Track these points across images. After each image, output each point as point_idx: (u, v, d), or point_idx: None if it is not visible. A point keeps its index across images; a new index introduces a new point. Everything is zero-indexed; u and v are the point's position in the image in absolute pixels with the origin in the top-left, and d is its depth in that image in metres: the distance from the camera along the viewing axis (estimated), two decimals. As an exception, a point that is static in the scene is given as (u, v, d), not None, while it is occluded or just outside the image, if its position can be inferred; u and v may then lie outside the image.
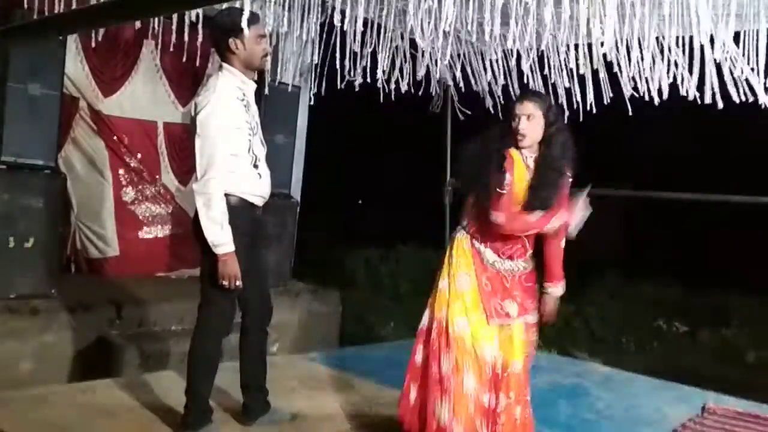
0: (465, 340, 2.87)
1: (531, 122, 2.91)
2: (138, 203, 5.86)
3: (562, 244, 3.10)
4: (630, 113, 4.50)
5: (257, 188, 3.01)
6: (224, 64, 2.96)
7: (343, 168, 14.10)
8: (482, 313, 2.90)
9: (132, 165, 5.78)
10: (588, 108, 4.68)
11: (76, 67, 5.32)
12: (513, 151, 2.93)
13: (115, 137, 5.68)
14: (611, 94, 4.59)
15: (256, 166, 2.98)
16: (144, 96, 5.80)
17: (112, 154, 5.69)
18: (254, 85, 3.05)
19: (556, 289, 3.12)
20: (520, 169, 2.92)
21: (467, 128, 6.26)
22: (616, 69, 4.31)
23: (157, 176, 5.93)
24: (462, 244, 3.02)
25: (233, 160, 2.87)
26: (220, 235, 2.80)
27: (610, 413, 3.92)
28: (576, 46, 4.34)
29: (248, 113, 2.98)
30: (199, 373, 2.97)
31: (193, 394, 2.96)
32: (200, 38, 4.31)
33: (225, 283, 2.84)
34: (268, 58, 3.07)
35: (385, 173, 14.55)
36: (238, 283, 2.86)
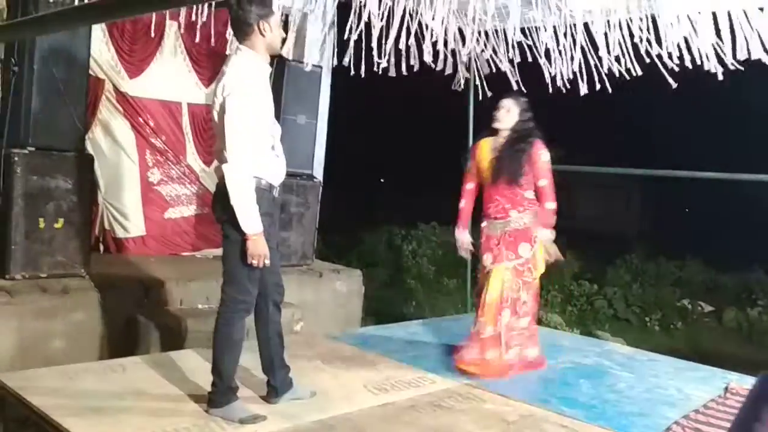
0: None
1: (508, 114, 4.10)
2: (163, 184, 5.94)
3: (548, 205, 4.11)
4: (658, 93, 4.45)
5: (275, 169, 3.07)
6: (245, 47, 2.99)
7: (365, 148, 14.10)
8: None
9: (157, 146, 5.85)
10: (612, 87, 4.63)
11: (102, 50, 5.36)
12: (483, 141, 4.23)
13: (140, 118, 5.73)
14: (640, 72, 4.53)
15: (272, 148, 3.05)
16: (168, 77, 5.83)
17: (137, 135, 5.75)
18: (269, 69, 3.12)
19: (543, 233, 4.10)
20: (483, 151, 4.20)
21: (490, 106, 6.23)
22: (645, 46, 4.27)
23: (182, 157, 5.99)
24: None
25: (261, 143, 2.94)
26: (253, 216, 2.88)
27: (632, 393, 3.93)
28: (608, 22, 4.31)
29: (268, 93, 3.04)
30: (225, 351, 3.03)
31: (219, 372, 3.03)
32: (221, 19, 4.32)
33: (254, 262, 2.90)
34: (286, 42, 3.12)
35: (407, 152, 14.51)
36: (267, 261, 2.93)
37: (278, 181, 3.11)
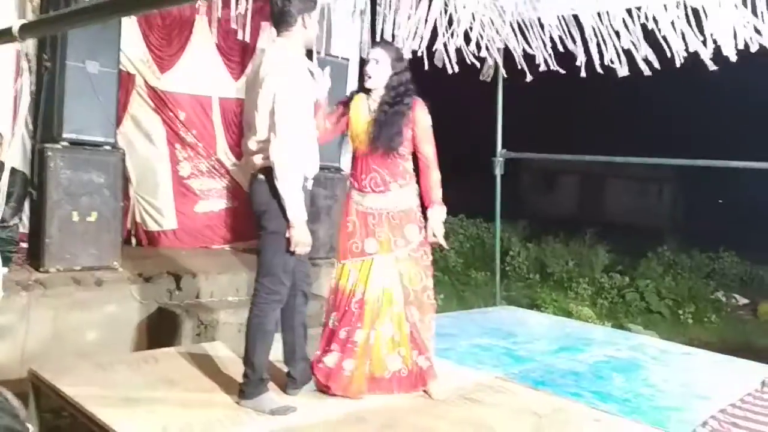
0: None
1: (377, 66, 3.33)
2: (194, 177, 5.99)
3: (434, 176, 3.42)
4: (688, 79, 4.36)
5: (311, 160, 3.08)
6: (282, 39, 3.00)
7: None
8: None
9: (188, 140, 5.90)
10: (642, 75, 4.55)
11: (132, 45, 5.42)
12: (357, 96, 3.43)
13: (171, 113, 5.79)
14: (681, 60, 4.44)
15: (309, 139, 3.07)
16: (198, 71, 5.87)
17: (168, 129, 5.81)
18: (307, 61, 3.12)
19: (436, 210, 3.41)
20: (357, 110, 3.39)
21: (519, 98, 6.17)
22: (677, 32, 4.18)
23: (212, 151, 6.04)
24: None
25: (303, 134, 2.97)
26: (300, 204, 2.93)
27: (666, 387, 3.86)
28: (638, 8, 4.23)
29: (308, 85, 3.05)
30: (257, 342, 3.05)
31: (251, 363, 3.04)
32: (250, 12, 4.32)
33: (298, 250, 2.96)
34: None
35: (436, 145, 14.47)
36: (308, 249, 2.99)
37: (312, 172, 3.12)
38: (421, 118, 3.38)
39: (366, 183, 3.38)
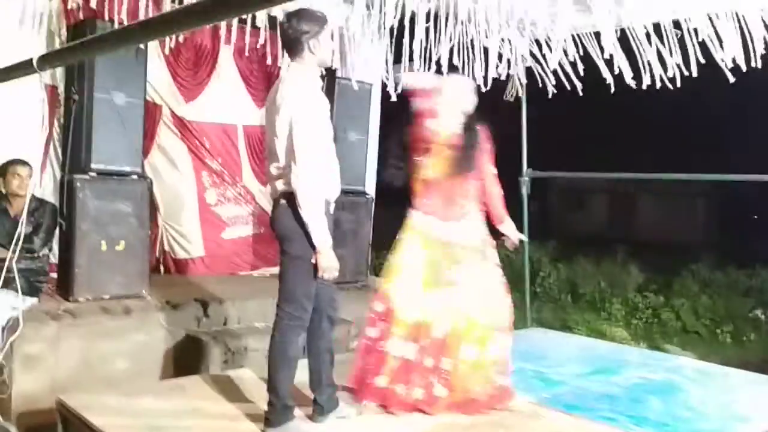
0: None
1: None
2: (221, 204, 6.04)
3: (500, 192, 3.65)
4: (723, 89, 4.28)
5: (332, 184, 3.08)
6: (296, 64, 3.02)
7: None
8: None
9: (214, 168, 5.96)
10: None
11: (158, 75, 5.51)
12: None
13: (197, 141, 5.86)
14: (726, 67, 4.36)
15: (331, 162, 3.07)
16: (223, 100, 5.95)
17: (194, 157, 5.88)
18: (322, 83, 3.15)
19: (511, 226, 3.76)
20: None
21: (544, 116, 6.12)
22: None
23: (238, 178, 6.09)
24: None
25: (322, 157, 2.97)
26: (324, 229, 2.92)
27: (704, 409, 3.74)
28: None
29: (326, 110, 3.06)
30: (280, 369, 3.02)
31: (275, 391, 3.01)
32: (273, 40, 4.37)
33: (326, 275, 2.94)
34: (335, 55, 3.12)
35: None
36: (336, 274, 2.96)
37: (334, 196, 3.11)
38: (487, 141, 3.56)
39: (444, 210, 3.43)
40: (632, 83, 4.71)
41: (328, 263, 2.93)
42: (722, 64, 4.12)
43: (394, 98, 5.03)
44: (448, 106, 3.49)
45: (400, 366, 3.35)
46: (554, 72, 5.19)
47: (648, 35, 4.47)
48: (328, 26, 3.03)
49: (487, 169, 3.53)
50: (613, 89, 4.86)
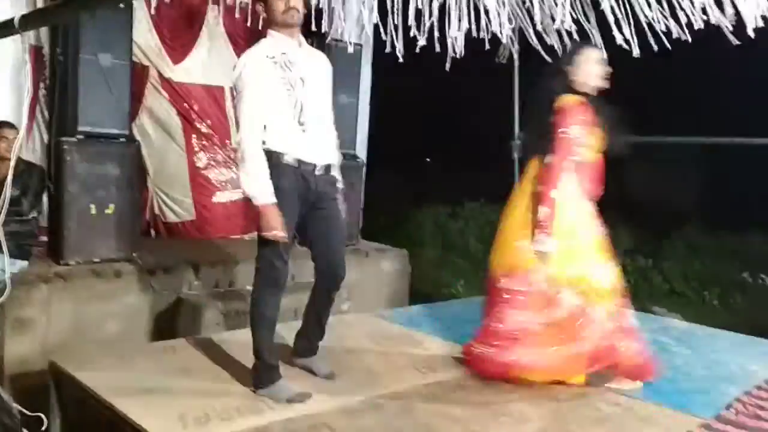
0: None
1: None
2: (211, 168, 6.01)
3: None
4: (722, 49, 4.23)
5: (301, 144, 3.00)
6: (267, 30, 3.08)
7: (410, 126, 14.00)
8: None
9: (203, 130, 5.91)
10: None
11: (145, 37, 5.43)
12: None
13: (185, 104, 5.80)
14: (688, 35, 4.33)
15: (301, 123, 2.99)
16: (210, 61, 5.88)
17: (183, 120, 5.82)
18: (296, 44, 3.07)
19: None
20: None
21: (534, 81, 6.07)
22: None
23: (227, 141, 6.04)
24: None
25: (274, 118, 2.94)
26: (254, 187, 2.88)
27: (689, 370, 3.79)
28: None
29: (286, 71, 2.98)
30: (257, 329, 3.04)
31: (257, 351, 3.04)
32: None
33: (269, 236, 2.89)
34: (294, 12, 2.99)
35: (451, 129, 14.36)
36: (280, 234, 2.88)
37: (308, 157, 3.01)
38: None
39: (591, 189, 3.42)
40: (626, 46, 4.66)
41: (265, 223, 2.87)
42: (724, 23, 4.05)
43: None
44: (582, 83, 3.37)
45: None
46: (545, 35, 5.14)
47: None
48: None
49: None
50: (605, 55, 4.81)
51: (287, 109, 2.97)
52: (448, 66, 4.97)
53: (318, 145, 3.07)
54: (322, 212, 3.11)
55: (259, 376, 3.05)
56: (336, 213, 3.17)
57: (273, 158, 2.92)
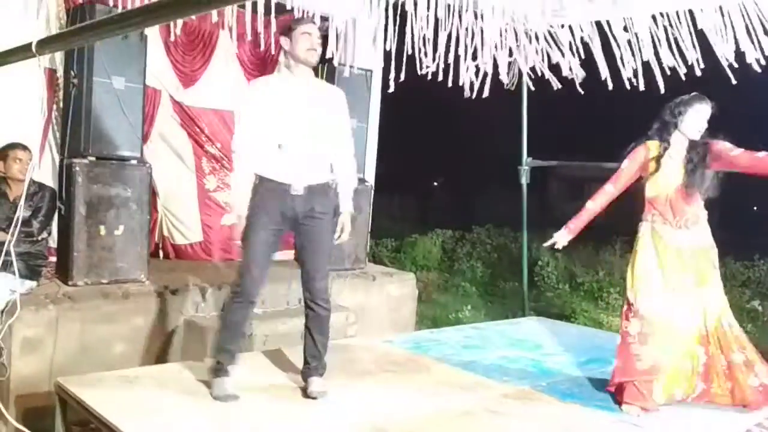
0: None
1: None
2: (219, 190, 6.03)
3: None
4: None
5: (281, 168, 3.22)
6: (282, 57, 3.36)
7: (419, 151, 14.06)
8: None
9: (213, 153, 5.95)
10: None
11: (157, 61, 5.49)
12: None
13: (196, 127, 5.85)
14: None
15: (280, 147, 3.22)
16: (221, 86, 5.93)
17: (194, 143, 5.87)
18: (306, 79, 3.30)
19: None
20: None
21: (544, 107, 6.11)
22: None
23: (237, 164, 6.08)
24: None
25: (260, 142, 3.22)
26: (230, 198, 3.40)
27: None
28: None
29: (281, 98, 3.22)
30: (221, 330, 3.36)
31: (214, 349, 3.37)
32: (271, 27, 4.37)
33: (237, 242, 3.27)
34: (314, 53, 3.24)
35: (461, 155, 14.40)
36: (239, 242, 3.26)
37: (291, 179, 3.22)
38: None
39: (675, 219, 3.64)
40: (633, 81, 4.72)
41: (235, 230, 3.23)
42: (723, 60, 4.11)
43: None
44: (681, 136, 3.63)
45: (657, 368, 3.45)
46: (556, 66, 5.19)
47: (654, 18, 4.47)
48: (303, 26, 3.22)
49: (733, 154, 3.56)
50: (611, 86, 4.87)
51: (272, 136, 3.21)
52: (466, 93, 5.05)
53: (299, 168, 3.24)
54: (304, 228, 3.31)
55: (211, 368, 3.31)
56: (318, 229, 3.33)
57: (257, 180, 3.24)
